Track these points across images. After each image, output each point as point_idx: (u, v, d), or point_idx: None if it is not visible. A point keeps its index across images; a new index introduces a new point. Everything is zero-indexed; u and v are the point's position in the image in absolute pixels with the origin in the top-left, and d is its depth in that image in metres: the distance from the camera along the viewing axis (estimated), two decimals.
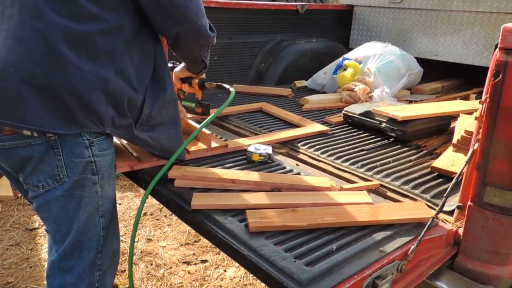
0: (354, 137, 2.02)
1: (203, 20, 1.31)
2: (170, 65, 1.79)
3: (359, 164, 1.67)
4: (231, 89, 1.62)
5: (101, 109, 1.19)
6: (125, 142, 1.64)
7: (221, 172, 1.49)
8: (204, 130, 1.66)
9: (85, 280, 1.33)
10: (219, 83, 1.73)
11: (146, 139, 1.39)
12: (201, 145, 1.68)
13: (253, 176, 1.46)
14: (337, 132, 2.08)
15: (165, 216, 3.03)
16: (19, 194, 3.18)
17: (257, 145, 1.71)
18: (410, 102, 2.67)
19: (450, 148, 1.72)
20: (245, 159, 1.66)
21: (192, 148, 1.65)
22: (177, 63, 1.83)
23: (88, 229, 1.30)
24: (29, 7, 1.12)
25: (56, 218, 1.28)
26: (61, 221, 1.27)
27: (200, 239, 2.74)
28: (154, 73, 1.36)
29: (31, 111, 1.11)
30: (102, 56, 1.18)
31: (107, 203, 1.34)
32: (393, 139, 1.98)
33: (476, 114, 1.24)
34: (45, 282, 1.36)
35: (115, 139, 1.59)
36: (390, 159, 1.75)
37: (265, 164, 1.63)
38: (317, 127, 2.07)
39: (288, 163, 1.68)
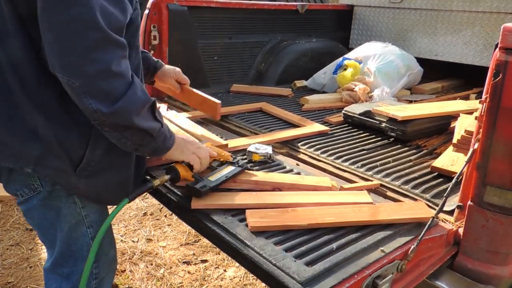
0: (354, 137, 2.01)
1: (76, 80, 0.97)
2: None
3: (359, 164, 1.67)
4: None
5: (14, 144, 1.10)
6: None
7: None
8: (214, 99, 1.66)
9: None
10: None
11: (81, 187, 1.19)
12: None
13: (253, 175, 1.46)
14: (337, 132, 2.08)
15: (165, 216, 3.03)
16: None
17: (257, 145, 1.71)
18: (410, 102, 2.67)
19: (450, 148, 1.72)
20: (245, 159, 1.66)
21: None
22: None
23: (75, 239, 1.27)
24: None
25: (40, 225, 1.27)
26: (45, 228, 1.27)
27: (200, 239, 2.74)
28: None
29: None
30: (7, 91, 1.07)
31: (94, 213, 1.29)
32: (393, 139, 1.98)
33: (476, 114, 1.24)
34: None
35: None
36: (390, 159, 1.75)
37: (265, 164, 1.63)
38: (317, 127, 2.07)
39: (288, 163, 1.68)
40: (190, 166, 1.35)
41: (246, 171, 1.49)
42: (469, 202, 1.21)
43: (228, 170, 1.41)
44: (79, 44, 0.95)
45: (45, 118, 1.09)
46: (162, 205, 1.65)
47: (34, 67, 1.06)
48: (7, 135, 1.10)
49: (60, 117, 1.11)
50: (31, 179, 1.17)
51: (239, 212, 1.26)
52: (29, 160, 1.12)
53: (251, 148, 1.67)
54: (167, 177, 1.30)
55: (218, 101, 1.61)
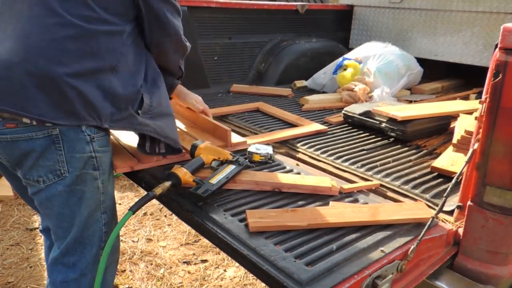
0: (354, 137, 2.02)
1: (182, 33, 1.50)
2: None
3: (359, 164, 1.67)
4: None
5: (98, 104, 1.22)
6: (123, 142, 1.64)
7: None
8: (223, 126, 1.71)
9: (88, 276, 1.35)
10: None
11: (151, 125, 1.38)
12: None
13: (253, 175, 1.46)
14: (337, 132, 2.08)
15: (165, 216, 3.03)
16: None
17: (257, 145, 1.71)
18: (410, 102, 2.67)
19: (450, 148, 1.72)
20: (245, 159, 1.66)
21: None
22: None
23: (90, 225, 1.32)
24: (39, 3, 1.16)
25: (58, 214, 1.29)
26: (63, 217, 1.29)
27: (200, 239, 2.75)
28: (146, 75, 1.41)
29: (31, 100, 1.14)
30: (104, 54, 1.23)
31: (109, 200, 1.36)
32: (393, 139, 1.98)
33: (476, 114, 1.24)
34: (45, 282, 1.37)
35: (113, 139, 1.60)
36: (390, 159, 1.75)
37: (265, 164, 1.63)
38: (315, 126, 2.07)
39: (288, 163, 1.68)
40: (194, 169, 1.40)
41: (246, 171, 1.49)
42: (469, 202, 1.21)
43: (228, 170, 1.42)
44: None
45: (117, 79, 1.27)
46: (162, 205, 1.65)
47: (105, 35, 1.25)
48: (94, 96, 1.21)
49: (126, 78, 1.30)
50: (59, 164, 1.21)
51: (239, 212, 1.26)
52: (106, 118, 1.26)
53: (251, 149, 1.67)
54: (168, 183, 1.31)
55: (228, 128, 1.67)
